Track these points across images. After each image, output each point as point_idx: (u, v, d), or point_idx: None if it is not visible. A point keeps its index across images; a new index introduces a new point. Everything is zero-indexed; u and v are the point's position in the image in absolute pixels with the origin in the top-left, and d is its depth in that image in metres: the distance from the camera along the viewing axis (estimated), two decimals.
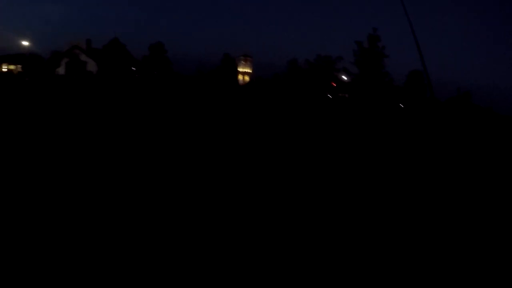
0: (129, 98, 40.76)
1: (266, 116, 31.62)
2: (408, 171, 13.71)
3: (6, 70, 66.18)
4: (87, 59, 61.17)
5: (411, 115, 50.60)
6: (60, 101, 36.05)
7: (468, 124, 42.36)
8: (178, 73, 61.31)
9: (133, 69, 59.55)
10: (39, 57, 59.73)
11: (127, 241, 6.18)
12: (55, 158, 13.13)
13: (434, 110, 55.98)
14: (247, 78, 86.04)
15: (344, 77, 63.15)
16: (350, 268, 6.00)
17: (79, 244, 5.87)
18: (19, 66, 60.64)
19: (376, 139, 22.94)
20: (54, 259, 5.32)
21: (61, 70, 60.41)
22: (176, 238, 6.53)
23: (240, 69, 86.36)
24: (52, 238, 6.14)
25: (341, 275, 5.75)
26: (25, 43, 61.92)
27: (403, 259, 6.45)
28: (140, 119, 25.98)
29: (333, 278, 5.68)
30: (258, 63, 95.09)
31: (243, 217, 8.45)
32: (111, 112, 29.16)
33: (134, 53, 62.76)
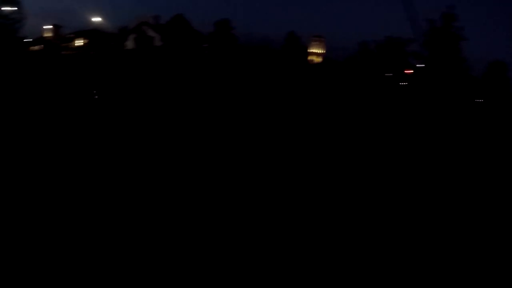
0: (194, 72, 40.88)
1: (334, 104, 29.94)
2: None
3: (79, 44, 68.91)
4: (155, 34, 61.75)
5: (491, 113, 45.60)
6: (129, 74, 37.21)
7: None
8: (243, 45, 59.58)
9: (203, 46, 59.43)
10: (106, 32, 60.93)
11: (127, 240, 6.26)
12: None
13: None
14: (319, 59, 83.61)
15: (418, 64, 58.83)
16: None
17: (79, 243, 5.99)
18: (86, 41, 62.85)
19: (450, 139, 20.59)
20: (54, 259, 5.37)
21: (129, 44, 61.41)
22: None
23: (311, 50, 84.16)
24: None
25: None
26: (95, 19, 63.95)
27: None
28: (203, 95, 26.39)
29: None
30: (329, 45, 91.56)
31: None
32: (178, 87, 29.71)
33: (201, 29, 62.65)
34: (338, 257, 6.19)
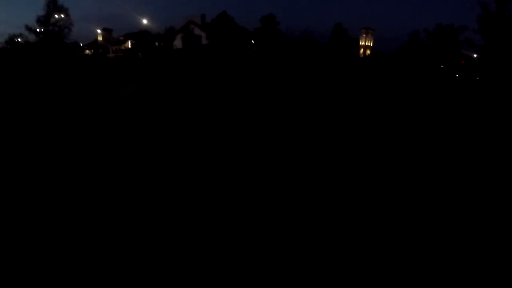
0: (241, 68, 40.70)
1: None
2: None
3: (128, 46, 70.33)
4: (201, 33, 62.00)
5: None
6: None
7: None
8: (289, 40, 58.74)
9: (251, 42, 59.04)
10: (154, 33, 61.64)
11: (127, 240, 6.12)
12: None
13: None
14: (368, 51, 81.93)
15: (474, 55, 54.85)
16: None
17: (80, 243, 5.86)
18: (132, 42, 64.08)
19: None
20: (54, 259, 5.32)
21: (177, 44, 61.92)
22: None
23: (361, 43, 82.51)
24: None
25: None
26: (144, 21, 64.95)
27: None
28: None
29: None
30: (380, 37, 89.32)
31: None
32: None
33: (247, 25, 62.32)
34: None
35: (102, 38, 78.19)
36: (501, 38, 45.34)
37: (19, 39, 48.92)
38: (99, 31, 79.17)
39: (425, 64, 55.98)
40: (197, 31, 61.93)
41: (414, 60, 58.15)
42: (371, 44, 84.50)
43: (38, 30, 46.69)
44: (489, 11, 45.10)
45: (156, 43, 59.77)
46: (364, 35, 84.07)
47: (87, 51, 74.73)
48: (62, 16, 47.00)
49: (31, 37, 48.20)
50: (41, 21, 47.18)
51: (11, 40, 48.45)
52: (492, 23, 45.08)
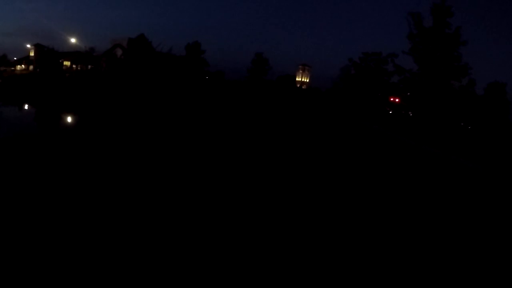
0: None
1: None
2: None
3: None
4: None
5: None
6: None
7: None
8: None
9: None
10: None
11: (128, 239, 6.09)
12: None
13: None
14: (304, 87, 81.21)
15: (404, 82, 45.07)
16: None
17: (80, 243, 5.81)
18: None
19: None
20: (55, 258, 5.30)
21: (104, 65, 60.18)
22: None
23: (298, 79, 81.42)
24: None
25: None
26: (73, 40, 62.87)
27: None
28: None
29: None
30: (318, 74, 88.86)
31: None
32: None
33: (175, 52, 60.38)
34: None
35: (34, 54, 75.35)
36: (439, 58, 36.65)
37: None
38: (29, 46, 76.24)
39: (351, 100, 53.82)
40: (120, 53, 60.19)
41: (342, 94, 56.10)
42: (307, 80, 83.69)
43: None
44: (423, 27, 36.93)
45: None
46: (301, 71, 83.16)
47: (18, 66, 72.25)
48: None
49: None
50: None
51: None
52: (427, 40, 36.54)
